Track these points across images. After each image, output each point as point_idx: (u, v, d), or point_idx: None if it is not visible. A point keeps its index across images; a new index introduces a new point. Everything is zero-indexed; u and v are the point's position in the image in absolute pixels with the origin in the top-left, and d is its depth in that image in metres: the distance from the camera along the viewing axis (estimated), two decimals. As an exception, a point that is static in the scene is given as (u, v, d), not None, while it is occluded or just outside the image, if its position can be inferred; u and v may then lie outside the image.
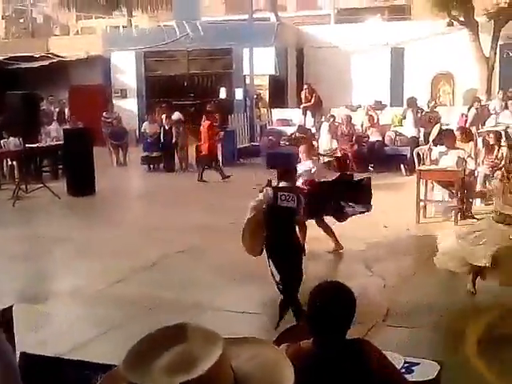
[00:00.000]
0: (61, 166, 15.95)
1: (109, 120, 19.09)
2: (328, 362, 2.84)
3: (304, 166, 8.97)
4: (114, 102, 22.39)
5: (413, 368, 3.68)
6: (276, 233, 6.27)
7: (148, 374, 1.66)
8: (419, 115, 16.07)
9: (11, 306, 4.36)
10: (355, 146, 16.30)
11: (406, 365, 3.62)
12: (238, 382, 1.73)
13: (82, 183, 13.62)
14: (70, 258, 8.95)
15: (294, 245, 6.36)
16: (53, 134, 16.60)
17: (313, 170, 8.95)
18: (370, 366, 2.85)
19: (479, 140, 12.42)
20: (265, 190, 6.44)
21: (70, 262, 8.78)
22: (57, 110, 20.20)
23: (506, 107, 16.44)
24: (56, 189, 13.31)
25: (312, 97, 18.88)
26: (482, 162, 11.73)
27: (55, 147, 15.90)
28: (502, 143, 11.87)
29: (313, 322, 2.86)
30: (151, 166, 17.48)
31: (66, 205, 12.97)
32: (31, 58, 23.16)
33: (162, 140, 17.31)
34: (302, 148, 9.47)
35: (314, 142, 14.76)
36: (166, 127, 17.42)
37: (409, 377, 3.46)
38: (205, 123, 15.82)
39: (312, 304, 2.86)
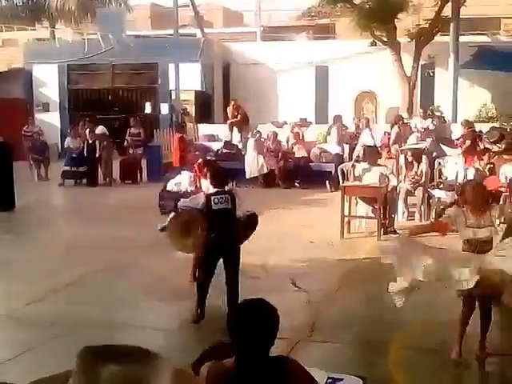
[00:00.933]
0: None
1: (30, 134, 18.63)
2: (251, 380, 2.79)
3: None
4: (35, 115, 21.91)
5: (336, 384, 3.66)
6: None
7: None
8: (344, 132, 16.29)
9: None
10: (281, 162, 16.42)
11: (329, 380, 3.60)
12: None
13: (1, 198, 13.19)
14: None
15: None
16: (-30, 147, 16.03)
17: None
18: (293, 382, 2.80)
19: (401, 157, 12.69)
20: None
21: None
22: (-25, 123, 19.56)
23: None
24: (-28, 204, 12.85)
25: (238, 113, 18.92)
26: (404, 178, 12.00)
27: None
28: (423, 160, 12.14)
29: (235, 339, 2.80)
30: (76, 181, 17.13)
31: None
32: None
33: (86, 154, 16.99)
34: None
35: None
36: (90, 141, 17.12)
37: (333, 393, 3.44)
38: (176, 136, 15.67)
39: (234, 322, 2.81)
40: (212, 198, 6.69)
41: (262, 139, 17.05)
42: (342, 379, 3.68)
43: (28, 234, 11.40)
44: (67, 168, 17.14)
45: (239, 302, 2.88)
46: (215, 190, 6.85)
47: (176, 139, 15.70)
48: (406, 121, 16.71)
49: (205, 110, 22.53)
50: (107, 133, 18.25)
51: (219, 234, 6.62)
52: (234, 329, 2.79)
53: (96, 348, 1.67)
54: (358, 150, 12.25)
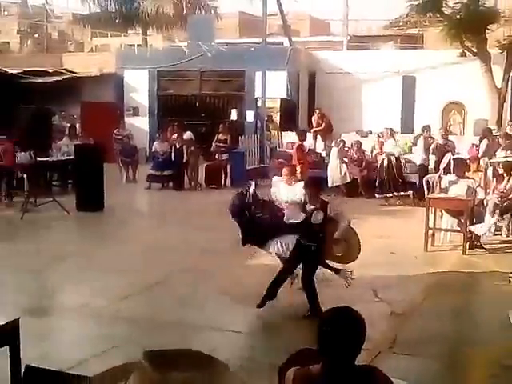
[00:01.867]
0: (71, 181, 15.99)
1: (120, 137, 19.16)
2: (337, 387, 2.80)
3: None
4: (125, 119, 22.52)
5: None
6: None
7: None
8: (431, 143, 15.99)
9: (17, 319, 4.33)
10: (365, 172, 16.30)
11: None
12: None
13: (91, 199, 13.62)
14: (75, 274, 8.92)
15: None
16: (64, 148, 16.62)
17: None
18: (379, 392, 2.80)
19: (489, 170, 12.38)
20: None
21: (75, 278, 8.74)
22: (68, 125, 20.27)
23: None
24: (65, 203, 13.31)
25: (323, 121, 18.91)
26: (492, 191, 11.68)
27: (66, 162, 15.94)
28: (512, 173, 11.79)
29: (323, 346, 2.82)
30: (162, 185, 17.51)
31: (74, 220, 13.00)
32: (45, 73, 23.30)
33: (173, 159, 17.34)
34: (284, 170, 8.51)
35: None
36: (177, 146, 17.46)
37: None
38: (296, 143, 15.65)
39: (322, 329, 2.83)
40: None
41: (346, 148, 16.97)
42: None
43: (116, 235, 11.74)
44: (154, 171, 17.53)
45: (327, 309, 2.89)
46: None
47: (295, 147, 15.47)
48: (495, 133, 16.28)
49: (290, 117, 22.60)
50: (194, 138, 18.57)
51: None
52: (322, 335, 2.81)
53: (156, 353, 1.70)
54: (446, 162, 12.01)
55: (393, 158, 16.04)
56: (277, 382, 3.04)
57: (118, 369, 1.82)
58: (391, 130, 17.37)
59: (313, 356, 2.93)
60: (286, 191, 8.01)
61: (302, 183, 7.93)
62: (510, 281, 7.36)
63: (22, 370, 3.81)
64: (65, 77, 23.56)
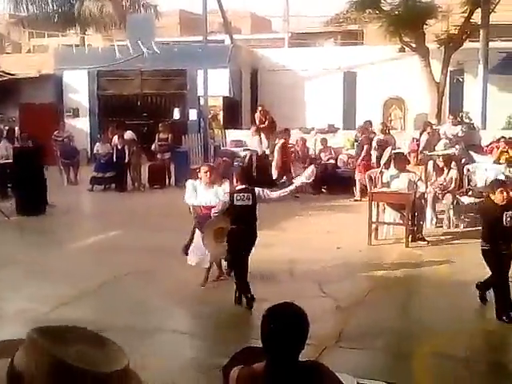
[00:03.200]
0: (10, 185, 15.62)
1: (60, 139, 18.83)
2: (281, 383, 2.80)
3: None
4: (65, 120, 22.13)
5: (365, 390, 3.66)
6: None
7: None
8: (373, 138, 16.19)
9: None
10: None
11: (358, 386, 3.59)
12: None
13: (32, 202, 13.36)
14: (18, 280, 8.71)
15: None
16: (2, 151, 16.25)
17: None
18: (323, 387, 2.81)
19: (430, 163, 12.61)
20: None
21: (17, 284, 8.54)
22: (6, 128, 19.84)
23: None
24: (4, 208, 13.03)
25: (266, 119, 18.95)
26: (432, 184, 11.90)
27: (4, 165, 15.56)
28: (452, 166, 12.05)
29: (266, 342, 2.81)
30: (105, 186, 17.28)
31: (15, 225, 12.69)
32: (-20, 75, 22.76)
33: (115, 160, 17.13)
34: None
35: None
36: (119, 146, 17.26)
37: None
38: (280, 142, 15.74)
39: (265, 325, 2.82)
40: (235, 195, 7.29)
41: (290, 145, 17.05)
42: (370, 385, 3.68)
43: (59, 238, 11.52)
44: (96, 173, 17.29)
45: (270, 306, 2.88)
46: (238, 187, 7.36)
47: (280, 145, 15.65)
48: (434, 127, 16.60)
49: (233, 115, 22.60)
50: (136, 138, 18.39)
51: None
52: (265, 332, 2.80)
53: (45, 328, 1.66)
54: (386, 156, 12.17)
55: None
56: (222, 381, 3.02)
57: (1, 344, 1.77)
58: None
59: (257, 354, 2.93)
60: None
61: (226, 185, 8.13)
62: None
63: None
64: (2, 79, 23.03)
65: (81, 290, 8.07)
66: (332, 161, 16.80)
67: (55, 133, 19.06)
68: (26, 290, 8.20)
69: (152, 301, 7.72)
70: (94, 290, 8.18)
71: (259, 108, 19.71)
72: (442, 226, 11.74)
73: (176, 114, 22.84)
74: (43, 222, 13.03)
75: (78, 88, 23.71)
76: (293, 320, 2.81)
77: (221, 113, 22.57)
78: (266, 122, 18.85)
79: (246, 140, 19.07)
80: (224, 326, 6.96)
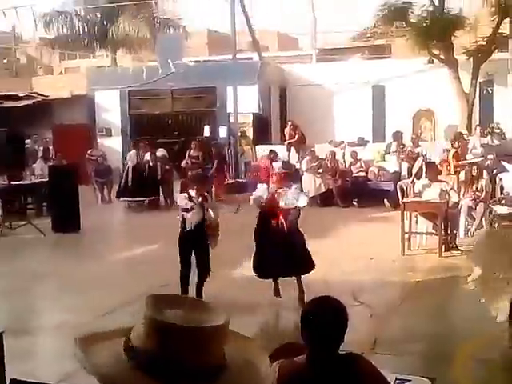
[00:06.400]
0: (45, 204, 15.92)
1: (94, 158, 19.13)
2: (322, 375, 2.89)
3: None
4: (98, 140, 22.49)
5: (404, 384, 3.73)
6: None
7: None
8: (404, 150, 16.23)
9: (1, 332, 4.36)
10: (339, 181, 16.48)
11: (397, 381, 3.66)
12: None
13: (67, 220, 13.59)
14: (56, 292, 8.92)
15: None
16: (37, 171, 16.58)
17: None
18: (363, 379, 2.89)
19: (462, 173, 12.61)
20: None
21: (56, 296, 8.74)
22: (41, 148, 20.23)
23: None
24: (41, 226, 13.29)
25: (295, 133, 19.09)
26: (464, 194, 11.90)
27: (40, 184, 15.87)
28: (484, 176, 12.05)
29: (306, 335, 2.91)
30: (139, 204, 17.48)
31: (51, 241, 12.95)
32: (15, 97, 23.22)
33: (147, 177, 17.33)
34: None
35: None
36: (151, 164, 17.48)
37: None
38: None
39: (305, 318, 2.92)
40: None
41: (315, 163, 17.02)
42: (410, 380, 3.74)
43: (94, 254, 11.72)
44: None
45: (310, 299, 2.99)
46: None
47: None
48: (466, 138, 16.57)
49: (262, 131, 22.75)
50: (167, 155, 18.60)
51: None
52: (306, 325, 2.90)
53: (155, 296, 1.80)
54: (418, 167, 12.22)
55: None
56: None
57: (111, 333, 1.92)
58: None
59: (297, 349, 3.02)
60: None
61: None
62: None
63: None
64: (35, 100, 23.51)
65: (120, 300, 8.22)
66: (362, 173, 16.84)
67: (89, 152, 19.38)
68: (64, 301, 8.38)
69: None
70: (132, 301, 8.31)
71: (289, 123, 19.87)
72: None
73: (206, 132, 23.06)
74: (78, 240, 13.26)
75: (110, 107, 24.07)
76: (332, 312, 2.91)
77: (251, 129, 22.75)
78: (296, 137, 18.98)
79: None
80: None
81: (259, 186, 8.44)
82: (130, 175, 17.19)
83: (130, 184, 17.12)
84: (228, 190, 18.07)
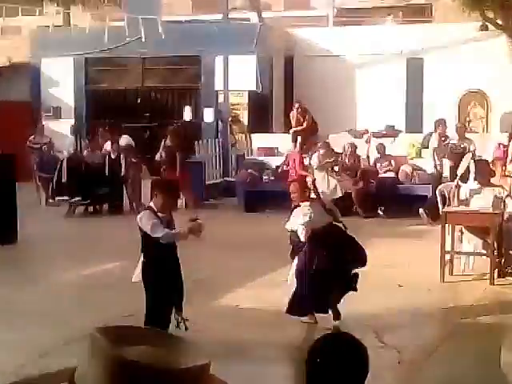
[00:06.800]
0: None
1: (37, 146, 19.11)
2: None
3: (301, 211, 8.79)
4: (44, 122, 22.44)
5: None
6: None
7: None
8: (447, 144, 16.20)
9: None
10: (360, 184, 16.43)
11: None
12: None
13: (0, 228, 13.53)
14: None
15: None
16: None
17: (312, 216, 8.75)
18: None
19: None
20: None
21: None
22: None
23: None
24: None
25: (304, 119, 19.03)
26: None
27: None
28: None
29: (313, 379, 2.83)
30: (95, 208, 17.47)
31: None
32: None
33: (107, 173, 17.29)
34: (292, 187, 9.15)
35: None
36: (112, 156, 17.43)
37: None
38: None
39: (311, 361, 2.84)
40: None
41: (335, 154, 17.05)
42: None
43: (34, 274, 11.66)
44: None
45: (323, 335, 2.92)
46: None
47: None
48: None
49: (260, 116, 22.72)
50: (134, 145, 18.56)
51: None
52: (312, 370, 2.82)
53: (108, 329, 1.80)
54: (465, 167, 12.20)
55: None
56: None
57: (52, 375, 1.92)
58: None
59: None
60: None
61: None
62: None
63: None
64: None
65: (63, 337, 8.16)
66: (391, 173, 16.79)
67: (30, 138, 19.33)
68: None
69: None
70: (81, 338, 8.25)
71: (296, 105, 19.81)
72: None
73: (187, 115, 23.03)
74: (14, 254, 13.17)
75: (61, 81, 24.04)
76: (348, 354, 2.83)
77: (245, 113, 22.73)
78: (305, 123, 18.92)
79: (278, 146, 19.15)
80: None
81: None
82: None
83: (64, 181, 17.19)
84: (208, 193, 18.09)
